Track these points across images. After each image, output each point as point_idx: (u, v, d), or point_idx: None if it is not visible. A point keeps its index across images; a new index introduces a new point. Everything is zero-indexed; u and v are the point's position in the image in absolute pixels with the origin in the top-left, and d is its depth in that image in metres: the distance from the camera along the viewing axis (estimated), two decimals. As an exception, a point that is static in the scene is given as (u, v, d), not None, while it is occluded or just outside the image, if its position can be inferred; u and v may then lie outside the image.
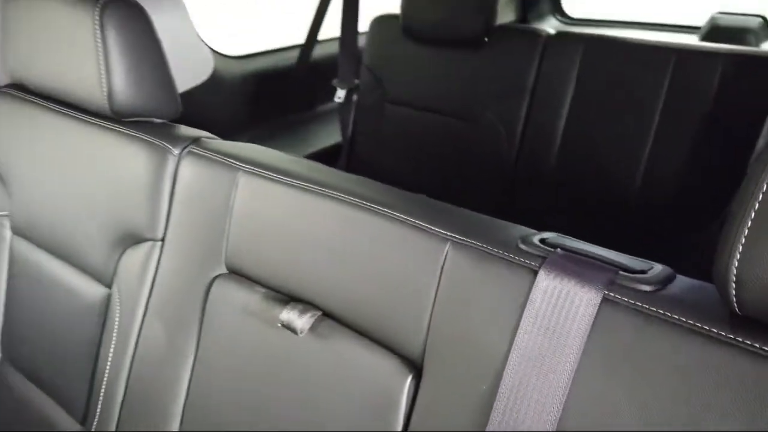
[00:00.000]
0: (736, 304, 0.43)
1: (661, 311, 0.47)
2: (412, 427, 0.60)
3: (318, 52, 1.85)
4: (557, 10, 2.48)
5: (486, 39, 1.58)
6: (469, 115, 1.63)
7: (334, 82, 1.78)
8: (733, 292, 0.43)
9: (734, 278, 0.42)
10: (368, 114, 1.77)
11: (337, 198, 0.66)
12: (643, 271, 0.51)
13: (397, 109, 1.74)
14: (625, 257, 0.53)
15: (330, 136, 1.92)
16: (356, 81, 1.77)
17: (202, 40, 1.60)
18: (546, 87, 1.51)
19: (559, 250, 0.54)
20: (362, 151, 1.80)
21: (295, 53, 1.84)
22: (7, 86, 1.06)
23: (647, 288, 0.49)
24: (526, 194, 1.58)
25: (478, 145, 1.62)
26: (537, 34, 1.56)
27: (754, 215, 0.41)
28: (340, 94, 1.75)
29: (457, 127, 1.65)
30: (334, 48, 1.82)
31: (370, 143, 1.78)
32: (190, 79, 1.52)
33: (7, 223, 1.04)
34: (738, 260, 0.42)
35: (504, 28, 1.61)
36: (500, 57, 1.57)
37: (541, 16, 2.41)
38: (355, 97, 1.79)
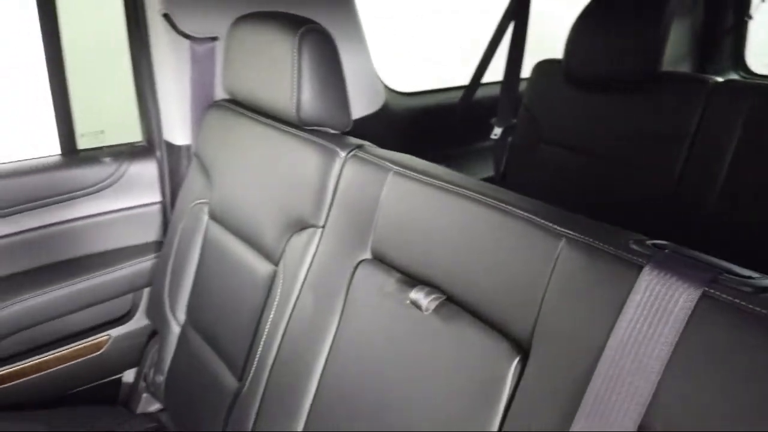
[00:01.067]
0: None
1: (763, 310, 0.49)
2: (514, 405, 0.65)
3: (479, 93, 1.97)
4: (740, 66, 2.35)
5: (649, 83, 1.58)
6: (625, 158, 1.62)
7: (493, 120, 1.88)
8: None
9: None
10: (522, 152, 1.84)
11: (467, 196, 0.76)
12: (748, 276, 0.53)
13: (551, 149, 1.79)
14: (732, 265, 0.55)
15: (482, 170, 2.01)
16: (513, 120, 1.85)
17: (378, 76, 1.80)
18: (709, 133, 1.46)
19: (667, 251, 0.58)
20: (512, 185, 1.86)
21: (457, 93, 1.98)
22: (223, 100, 1.32)
23: (749, 289, 0.51)
24: (680, 239, 1.52)
25: (634, 188, 1.60)
26: (702, 80, 1.52)
27: None
28: (497, 132, 1.84)
29: (612, 169, 1.65)
30: (493, 91, 1.93)
31: (521, 179, 1.84)
32: (364, 107, 1.72)
33: (206, 210, 1.28)
34: None
35: (670, 73, 1.60)
36: (662, 101, 1.55)
37: (720, 72, 2.30)
38: (509, 138, 1.87)
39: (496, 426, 0.66)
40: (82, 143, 1.43)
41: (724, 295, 0.51)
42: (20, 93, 1.55)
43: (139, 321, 1.50)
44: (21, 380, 1.37)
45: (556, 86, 1.75)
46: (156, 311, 1.37)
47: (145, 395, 1.42)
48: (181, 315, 1.31)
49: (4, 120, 1.61)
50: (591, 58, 1.62)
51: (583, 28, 1.62)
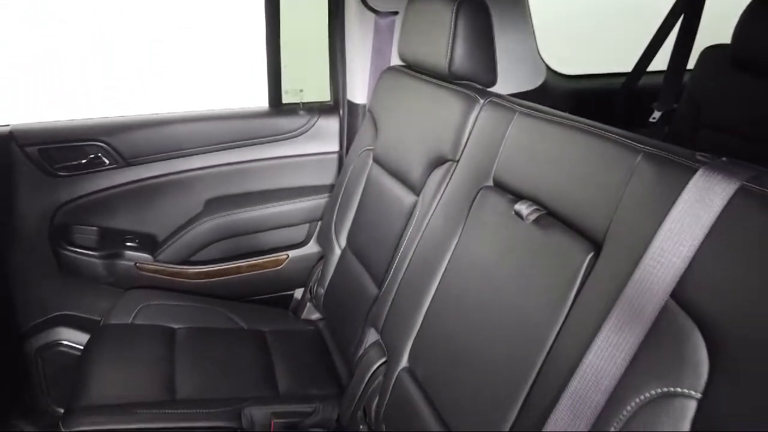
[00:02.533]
0: None
1: None
2: (582, 294, 0.79)
3: (642, 81, 1.99)
4: None
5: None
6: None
7: (654, 105, 1.90)
8: None
9: None
10: (679, 138, 1.84)
11: (573, 126, 0.90)
12: None
13: (713, 135, 1.76)
14: None
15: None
16: (674, 105, 1.85)
17: (540, 56, 1.93)
18: None
19: (725, 158, 0.67)
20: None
21: (619, 80, 2.03)
22: (396, 65, 1.58)
23: None
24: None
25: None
26: None
27: None
28: (656, 115, 1.86)
29: (775, 157, 1.59)
30: (655, 80, 1.94)
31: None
32: (522, 82, 1.87)
33: (371, 155, 1.54)
34: None
35: None
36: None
37: None
38: (666, 127, 1.88)
39: (564, 312, 0.80)
40: (285, 99, 1.79)
41: (759, 188, 0.60)
42: (244, 60, 1.96)
43: (311, 247, 1.82)
44: (223, 277, 1.76)
45: (722, 71, 1.73)
46: (324, 238, 1.68)
47: (308, 305, 1.73)
48: (343, 241, 1.59)
49: (234, 78, 2.05)
50: (762, 44, 1.59)
51: (756, 13, 1.60)
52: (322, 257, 1.68)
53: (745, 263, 0.60)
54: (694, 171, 0.67)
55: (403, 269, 1.23)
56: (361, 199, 1.55)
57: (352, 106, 1.75)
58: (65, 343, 1.68)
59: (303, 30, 1.76)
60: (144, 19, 2.03)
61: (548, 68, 1.99)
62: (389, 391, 1.14)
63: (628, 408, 0.66)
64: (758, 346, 0.56)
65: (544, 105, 1.03)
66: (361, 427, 1.22)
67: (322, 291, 1.63)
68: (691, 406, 0.61)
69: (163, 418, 1.18)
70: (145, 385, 1.27)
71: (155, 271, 1.70)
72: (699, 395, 0.60)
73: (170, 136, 1.68)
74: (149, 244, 1.72)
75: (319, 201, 1.79)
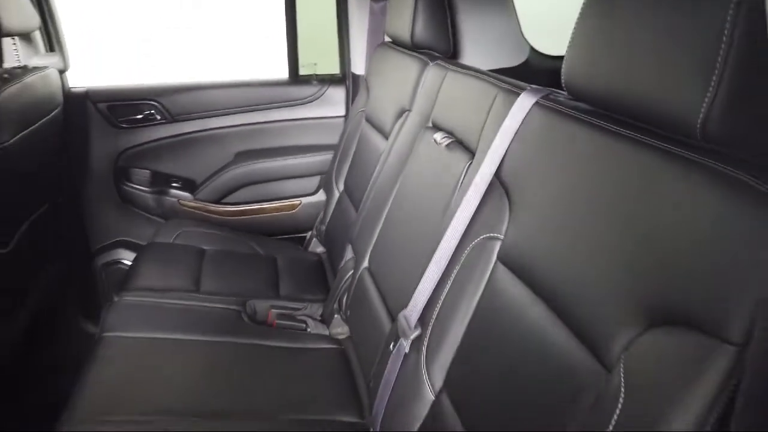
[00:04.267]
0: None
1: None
2: (462, 183, 1.12)
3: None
4: None
5: None
6: None
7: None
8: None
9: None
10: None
11: (474, 76, 1.22)
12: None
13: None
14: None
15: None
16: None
17: (523, 36, 2.23)
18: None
19: (534, 87, 0.99)
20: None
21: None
22: (386, 42, 1.92)
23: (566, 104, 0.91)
24: None
25: None
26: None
27: None
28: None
29: None
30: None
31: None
32: (505, 60, 2.16)
33: (364, 116, 1.89)
34: None
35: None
36: None
37: None
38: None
39: (451, 198, 1.13)
40: (302, 71, 2.17)
41: (546, 102, 0.92)
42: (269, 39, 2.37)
43: (320, 196, 2.19)
44: (247, 216, 2.17)
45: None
46: (327, 185, 2.05)
47: (314, 240, 2.10)
48: (341, 186, 1.95)
49: (260, 55, 2.45)
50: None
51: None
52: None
53: (531, 151, 0.92)
54: (518, 95, 1.00)
55: (371, 195, 1.58)
56: (354, 152, 1.91)
57: (355, 78, 2.11)
58: (123, 261, 2.13)
59: (315, 14, 2.14)
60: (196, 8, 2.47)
61: (531, 48, 2.28)
62: (354, 286, 1.50)
63: (467, 250, 0.99)
64: (531, 202, 0.89)
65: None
66: (335, 316, 1.58)
67: (323, 227, 2.00)
68: (498, 244, 0.93)
69: (189, 299, 1.58)
70: (179, 279, 1.68)
71: (193, 207, 2.13)
72: (502, 236, 0.93)
73: (208, 99, 2.10)
74: (189, 185, 2.14)
75: (326, 157, 2.16)
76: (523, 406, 0.76)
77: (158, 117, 2.06)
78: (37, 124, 1.53)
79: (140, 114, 2.05)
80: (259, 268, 1.85)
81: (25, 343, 1.69)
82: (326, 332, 1.56)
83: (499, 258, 0.92)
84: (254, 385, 1.30)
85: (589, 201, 0.75)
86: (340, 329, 1.55)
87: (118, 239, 2.15)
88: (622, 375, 0.61)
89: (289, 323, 1.57)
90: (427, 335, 1.03)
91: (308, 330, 1.57)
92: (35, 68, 1.64)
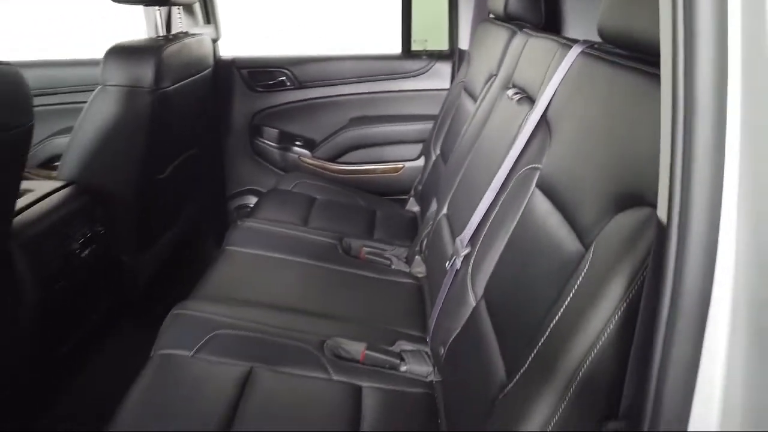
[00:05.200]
0: None
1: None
2: (522, 128, 1.27)
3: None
4: None
5: None
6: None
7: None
8: None
9: None
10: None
11: (547, 38, 1.36)
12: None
13: None
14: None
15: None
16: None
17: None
18: None
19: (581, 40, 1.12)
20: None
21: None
22: (488, 17, 2.08)
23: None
24: None
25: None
26: None
27: None
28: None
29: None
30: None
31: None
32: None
33: (462, 86, 2.07)
34: None
35: None
36: None
37: None
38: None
39: (514, 137, 1.29)
40: (414, 46, 2.39)
41: (590, 51, 1.06)
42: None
43: (420, 161, 2.41)
44: (356, 175, 2.44)
45: None
46: (426, 150, 2.26)
47: (411, 200, 2.32)
48: (438, 150, 2.15)
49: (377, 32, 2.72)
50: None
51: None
52: (427, 167, 2.25)
53: (569, 92, 1.06)
54: (570, 48, 1.14)
55: (456, 152, 1.77)
56: (451, 119, 2.10)
57: (461, 53, 2.30)
58: (251, 206, 2.50)
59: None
60: None
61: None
62: (432, 231, 1.69)
63: (513, 180, 1.15)
64: (563, 134, 1.03)
65: None
66: (416, 257, 1.78)
67: (420, 188, 2.21)
68: (537, 173, 1.09)
69: (297, 230, 1.87)
70: (291, 216, 1.98)
71: (311, 164, 2.44)
72: (542, 166, 1.08)
73: (331, 69, 2.40)
74: (309, 144, 2.46)
75: (429, 125, 2.37)
76: (532, 294, 0.92)
77: (288, 83, 2.40)
78: (191, 79, 1.90)
79: (274, 80, 2.40)
80: (359, 216, 2.11)
81: (168, 262, 2.08)
82: (407, 270, 1.78)
83: (537, 185, 1.07)
84: (341, 299, 1.55)
85: (602, 128, 0.89)
86: (420, 269, 1.76)
87: (248, 187, 2.52)
88: (591, 250, 0.76)
89: (376, 258, 1.81)
90: (475, 252, 1.20)
91: (392, 266, 1.80)
92: (194, 34, 2.03)
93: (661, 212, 0.53)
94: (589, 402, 0.69)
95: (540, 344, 0.78)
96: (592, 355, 0.68)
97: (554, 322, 0.77)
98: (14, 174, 1.20)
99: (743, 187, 0.49)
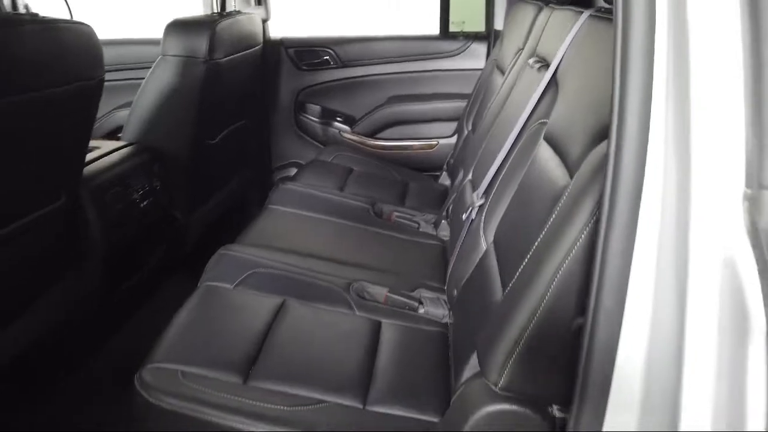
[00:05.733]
0: None
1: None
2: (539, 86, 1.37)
3: None
4: None
5: None
6: None
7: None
8: None
9: None
10: None
11: (572, 11, 1.45)
12: None
13: None
14: None
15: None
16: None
17: None
18: None
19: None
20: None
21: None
22: (520, -2, 2.17)
23: None
24: None
25: None
26: None
27: None
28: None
29: None
30: None
31: None
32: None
33: (495, 63, 2.17)
34: None
35: None
36: None
37: None
38: None
39: (538, 96, 1.39)
40: (451, 28, 2.50)
41: (598, 14, 1.15)
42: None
43: (454, 138, 2.51)
44: (392, 150, 2.57)
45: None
46: (460, 127, 2.36)
47: (444, 174, 2.43)
48: (470, 126, 2.25)
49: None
50: None
51: None
52: (459, 144, 2.36)
53: (576, 51, 1.16)
54: (580, 14, 1.23)
55: (482, 123, 1.87)
56: (482, 95, 2.20)
57: (496, 33, 2.39)
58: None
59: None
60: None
61: None
62: (456, 195, 1.80)
63: (524, 135, 1.26)
64: (568, 90, 1.13)
65: None
66: (442, 221, 1.90)
67: (451, 161, 2.32)
68: (545, 127, 1.19)
69: (333, 194, 2.01)
70: (329, 181, 2.12)
71: (351, 139, 2.59)
72: (548, 120, 1.18)
73: (371, 49, 2.53)
74: (349, 120, 2.60)
75: (463, 103, 2.47)
76: (529, 228, 1.02)
77: (331, 63, 2.55)
78: (241, 53, 2.07)
79: (318, 59, 2.55)
80: (393, 187, 2.24)
81: (215, 224, 2.26)
82: (434, 233, 1.89)
83: (544, 138, 1.18)
84: (369, 252, 1.69)
85: (597, 80, 0.99)
86: (445, 232, 1.88)
87: (292, 161, 2.69)
88: (573, 179, 0.86)
89: (405, 222, 1.93)
90: (488, 203, 1.31)
91: (420, 229, 1.92)
92: (245, 13, 2.20)
93: (611, 139, 0.65)
94: (563, 304, 0.79)
95: (526, 260, 0.89)
96: (566, 262, 0.79)
97: (538, 240, 0.87)
98: (87, 124, 1.38)
99: (669, 122, 0.59)
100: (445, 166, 2.45)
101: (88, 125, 1.37)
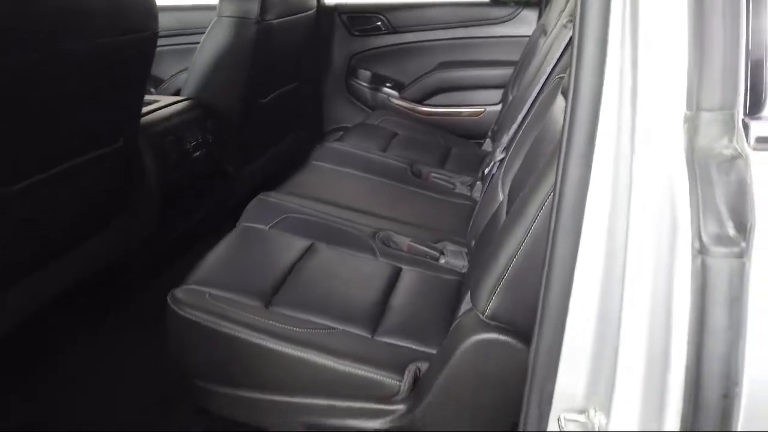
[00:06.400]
0: None
1: None
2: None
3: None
4: None
5: None
6: None
7: None
8: None
9: None
10: None
11: None
12: None
13: None
14: None
15: None
16: None
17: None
18: None
19: None
20: None
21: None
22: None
23: None
24: None
25: None
26: None
27: None
28: None
29: None
30: None
31: None
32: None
33: (541, 29, 2.16)
34: None
35: None
36: None
37: None
38: None
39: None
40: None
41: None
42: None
43: (499, 106, 2.52)
44: (439, 117, 2.61)
45: None
46: (505, 94, 2.37)
47: (488, 140, 2.45)
48: (515, 92, 2.26)
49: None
50: None
51: None
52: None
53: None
54: None
55: (520, 86, 1.89)
56: (525, 61, 2.20)
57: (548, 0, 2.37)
58: (344, 140, 2.76)
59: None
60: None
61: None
62: (490, 158, 1.84)
63: (545, 91, 1.28)
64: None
65: None
66: (477, 183, 1.94)
67: (495, 128, 2.35)
68: (563, 82, 1.21)
69: (375, 154, 2.10)
70: (372, 143, 2.20)
71: (398, 104, 2.65)
72: (565, 75, 1.20)
73: (422, 16, 2.58)
74: (398, 86, 2.67)
75: (511, 71, 2.48)
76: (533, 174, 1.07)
77: (383, 28, 2.61)
78: (293, 17, 2.17)
79: (370, 25, 2.62)
80: (435, 150, 2.29)
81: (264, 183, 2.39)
82: (468, 194, 1.94)
83: (561, 91, 1.20)
84: (400, 207, 1.76)
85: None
86: (479, 193, 1.92)
87: (342, 125, 2.78)
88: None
89: (441, 182, 1.99)
90: (507, 157, 1.36)
91: (455, 190, 1.97)
92: (298, -22, 2.30)
93: (569, 77, 0.69)
94: (543, 238, 0.84)
95: (516, 201, 0.94)
96: (548, 198, 0.84)
97: (528, 182, 0.92)
98: (142, 75, 1.52)
99: (625, 61, 0.63)
100: (489, 133, 2.47)
101: (143, 76, 1.51)
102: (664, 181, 0.59)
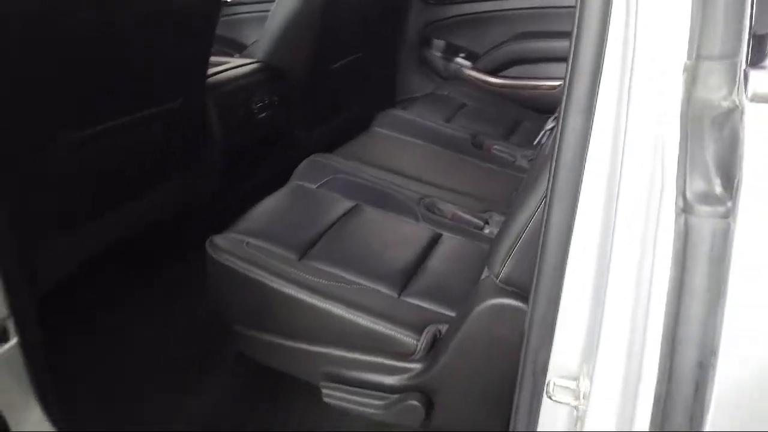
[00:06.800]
0: None
1: None
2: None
3: None
4: None
5: None
6: None
7: None
8: None
9: None
10: None
11: None
12: None
13: None
14: None
15: None
16: None
17: None
18: None
19: None
20: None
21: None
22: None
23: None
24: None
25: None
26: None
27: None
28: None
29: None
30: None
31: None
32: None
33: None
34: None
35: None
36: None
37: None
38: None
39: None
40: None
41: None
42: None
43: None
44: (513, 90, 2.54)
45: None
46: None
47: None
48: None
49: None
50: None
51: None
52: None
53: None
54: None
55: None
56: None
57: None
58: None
59: None
60: None
61: None
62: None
63: None
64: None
65: None
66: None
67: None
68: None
69: (430, 121, 2.08)
70: (429, 114, 2.18)
71: (471, 75, 2.60)
72: None
73: (499, -16, 2.49)
74: (472, 56, 2.61)
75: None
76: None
77: (459, -3, 2.56)
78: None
79: (446, -7, 2.58)
80: (502, 123, 2.24)
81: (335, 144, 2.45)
82: (527, 166, 1.89)
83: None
84: (454, 176, 1.74)
85: None
86: (525, 162, 1.87)
87: (414, 95, 2.77)
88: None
89: (501, 155, 1.95)
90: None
91: (515, 163, 1.92)
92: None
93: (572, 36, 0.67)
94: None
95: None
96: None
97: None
98: (209, 38, 1.59)
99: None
100: (562, 107, 2.37)
101: (206, 39, 1.58)
102: (655, 136, 0.55)
